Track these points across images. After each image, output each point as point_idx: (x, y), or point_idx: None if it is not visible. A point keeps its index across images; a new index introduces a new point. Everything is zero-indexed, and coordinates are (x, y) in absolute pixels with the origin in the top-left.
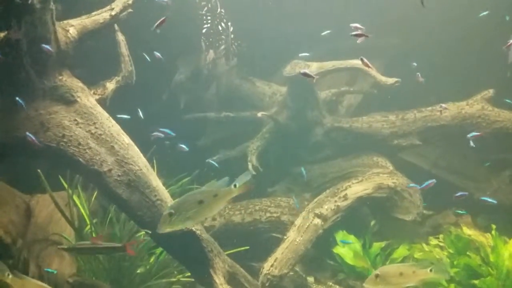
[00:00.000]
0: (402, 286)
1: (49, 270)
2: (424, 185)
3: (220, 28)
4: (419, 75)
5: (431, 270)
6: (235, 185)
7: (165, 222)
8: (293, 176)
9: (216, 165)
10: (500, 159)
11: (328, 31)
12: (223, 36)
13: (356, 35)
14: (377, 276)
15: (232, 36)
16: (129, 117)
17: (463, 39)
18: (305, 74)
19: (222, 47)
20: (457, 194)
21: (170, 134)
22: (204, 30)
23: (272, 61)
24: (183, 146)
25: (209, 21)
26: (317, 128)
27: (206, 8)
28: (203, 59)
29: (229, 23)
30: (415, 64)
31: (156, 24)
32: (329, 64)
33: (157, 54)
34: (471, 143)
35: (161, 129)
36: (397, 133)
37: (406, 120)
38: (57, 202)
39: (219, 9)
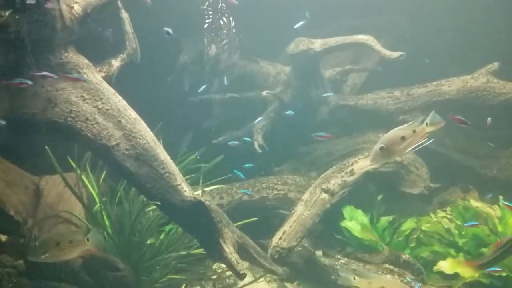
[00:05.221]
0: (407, 149)
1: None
2: None
3: (221, 23)
4: None
5: (427, 124)
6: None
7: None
8: (299, 155)
9: None
10: (506, 135)
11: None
12: (225, 31)
13: None
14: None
15: (234, 30)
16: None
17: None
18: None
19: (224, 41)
20: None
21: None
22: (205, 25)
23: (274, 44)
24: None
25: (211, 16)
26: (322, 107)
27: (207, 3)
28: (205, 54)
29: (231, 18)
30: None
31: None
32: (333, 40)
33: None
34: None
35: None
36: (402, 108)
37: (411, 96)
38: (67, 180)
39: (220, 4)
